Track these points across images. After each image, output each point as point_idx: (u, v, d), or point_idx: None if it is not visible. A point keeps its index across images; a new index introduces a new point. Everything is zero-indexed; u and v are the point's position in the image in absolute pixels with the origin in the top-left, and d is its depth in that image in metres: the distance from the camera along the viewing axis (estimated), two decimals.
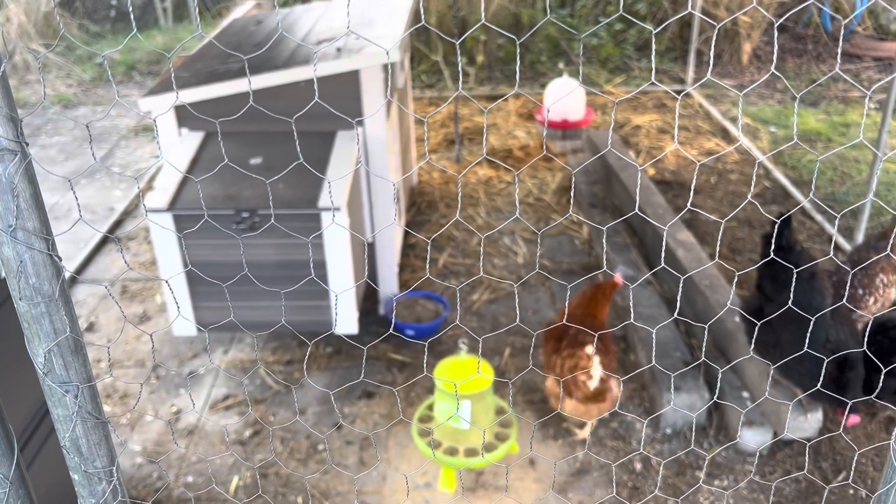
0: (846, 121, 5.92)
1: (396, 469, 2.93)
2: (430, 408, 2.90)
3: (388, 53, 2.58)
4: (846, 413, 2.80)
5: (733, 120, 6.01)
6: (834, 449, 2.97)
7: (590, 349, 2.85)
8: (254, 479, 2.92)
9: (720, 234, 4.29)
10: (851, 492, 2.80)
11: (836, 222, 4.32)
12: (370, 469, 2.94)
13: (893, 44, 7.38)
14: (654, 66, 6.79)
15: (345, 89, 3.35)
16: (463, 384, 2.66)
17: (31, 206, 1.01)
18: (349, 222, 3.08)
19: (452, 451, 2.73)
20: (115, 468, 0.97)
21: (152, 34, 8.85)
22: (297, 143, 3.36)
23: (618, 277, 3.17)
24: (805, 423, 2.89)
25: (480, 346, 3.48)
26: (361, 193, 3.54)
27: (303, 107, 3.33)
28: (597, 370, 2.83)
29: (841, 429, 2.96)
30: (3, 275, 1.01)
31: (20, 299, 1.02)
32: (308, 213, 3.01)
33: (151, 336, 2.57)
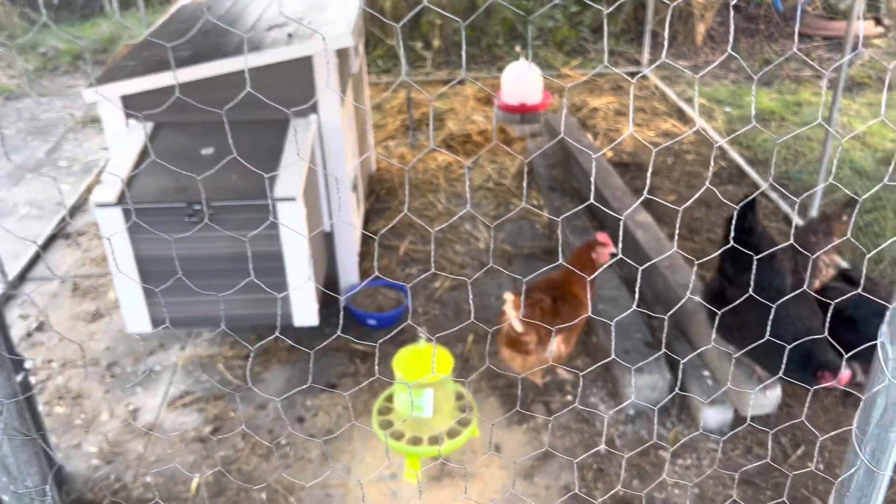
0: (798, 100, 6.00)
1: (361, 461, 2.90)
2: (389, 399, 2.87)
3: (340, 38, 2.52)
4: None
5: (689, 101, 6.06)
6: (792, 424, 3.01)
7: (508, 295, 2.90)
8: (215, 477, 2.86)
9: (679, 217, 4.31)
10: (809, 465, 2.85)
11: (796, 207, 4.38)
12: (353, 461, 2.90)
13: (842, 23, 7.50)
14: (606, 48, 6.81)
15: (297, 76, 3.27)
16: (422, 372, 2.64)
17: None
18: (305, 212, 3.02)
19: (416, 441, 2.71)
20: (48, 486, 0.92)
21: (98, 22, 8.59)
22: (250, 132, 3.28)
23: (601, 236, 3.12)
24: (765, 400, 2.93)
25: (438, 334, 3.46)
26: (318, 182, 3.47)
27: (252, 94, 3.25)
28: (510, 313, 2.88)
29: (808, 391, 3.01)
30: None
31: None
32: (263, 203, 2.94)
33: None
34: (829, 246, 3.16)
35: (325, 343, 3.45)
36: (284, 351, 3.48)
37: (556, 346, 3.04)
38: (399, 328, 3.56)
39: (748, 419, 2.98)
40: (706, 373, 3.11)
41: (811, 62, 2.82)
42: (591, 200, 4.13)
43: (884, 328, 0.83)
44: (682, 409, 3.10)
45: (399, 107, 6.07)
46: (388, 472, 2.87)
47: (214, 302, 3.15)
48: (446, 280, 3.97)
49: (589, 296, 3.08)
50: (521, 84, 5.46)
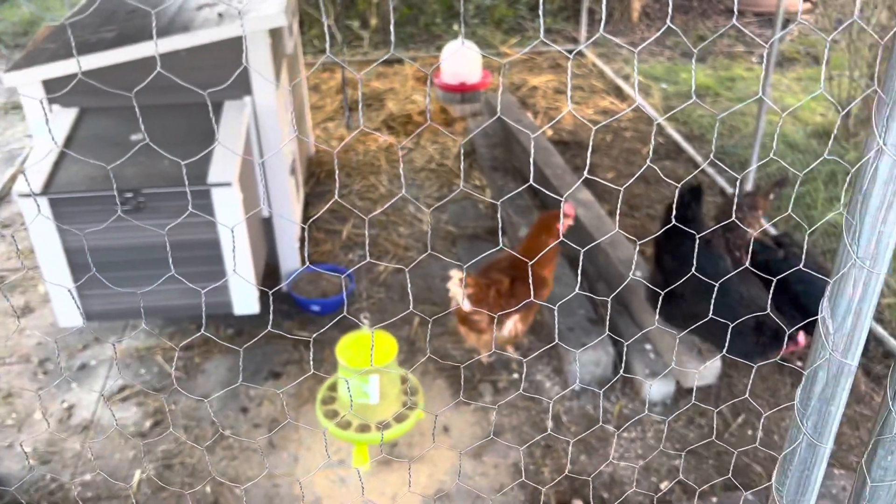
0: (732, 75, 6.12)
1: (309, 448, 2.86)
2: (333, 388, 2.82)
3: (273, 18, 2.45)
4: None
5: (626, 78, 6.11)
6: (732, 393, 3.09)
7: (454, 272, 2.94)
8: (158, 472, 2.79)
9: (620, 195, 4.36)
10: (750, 432, 2.93)
11: (737, 187, 4.47)
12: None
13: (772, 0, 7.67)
14: (543, 24, 6.81)
15: (229, 57, 3.17)
16: (367, 359, 2.61)
17: None
18: (242, 197, 2.94)
19: (364, 429, 2.68)
20: None
21: (17, 3, 8.20)
22: (182, 116, 3.17)
23: (568, 208, 3.09)
24: (706, 372, 2.99)
25: (384, 321, 3.43)
26: (254, 166, 3.39)
27: (185, 77, 3.14)
28: (456, 292, 2.93)
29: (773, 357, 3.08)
30: None
31: None
32: (197, 189, 2.85)
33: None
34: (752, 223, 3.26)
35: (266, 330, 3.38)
36: (227, 340, 3.40)
37: (513, 325, 3.05)
38: (342, 314, 3.51)
39: (689, 389, 3.04)
40: (648, 346, 3.15)
41: (752, 37, 2.85)
42: (531, 181, 4.14)
43: (824, 302, 0.83)
44: (626, 384, 3.15)
45: (337, 87, 5.97)
46: (337, 458, 2.84)
47: (150, 293, 3.05)
48: (391, 263, 3.93)
49: (550, 269, 3.09)
50: (460, 63, 5.43)
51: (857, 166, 0.73)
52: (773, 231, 3.90)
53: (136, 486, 2.73)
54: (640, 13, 7.53)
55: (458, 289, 2.92)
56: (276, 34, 3.46)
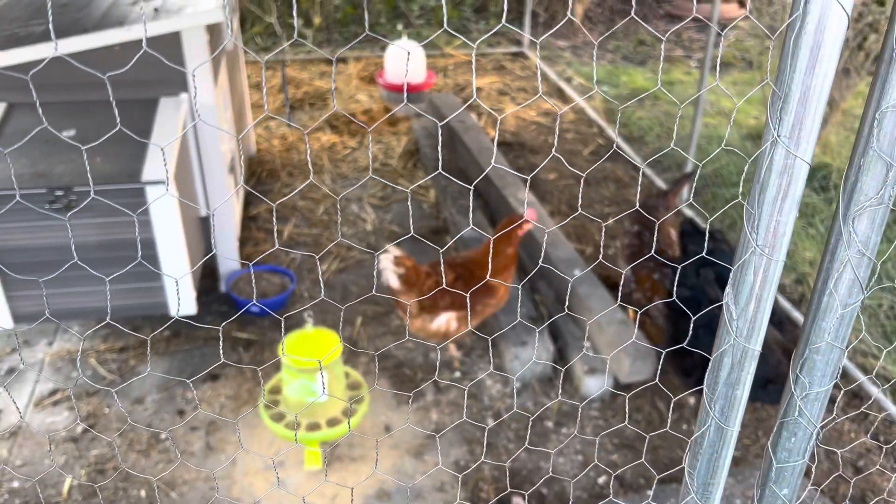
0: (671, 79, 6.26)
1: (247, 451, 2.82)
2: (275, 391, 2.79)
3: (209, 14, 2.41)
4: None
5: (569, 80, 6.20)
6: (668, 388, 3.15)
7: (391, 247, 2.99)
8: (90, 477, 2.71)
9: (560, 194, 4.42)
10: (685, 427, 3.00)
11: (693, 194, 4.56)
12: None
13: (707, 5, 7.87)
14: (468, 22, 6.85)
15: (165, 53, 3.11)
16: (311, 357, 2.59)
17: None
18: (178, 195, 2.89)
19: (314, 427, 2.66)
20: None
21: None
22: (115, 111, 3.09)
23: (530, 213, 3.12)
24: (642, 367, 3.05)
25: (337, 317, 3.40)
26: (192, 164, 3.33)
27: (119, 73, 3.07)
28: (387, 266, 2.97)
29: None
30: None
31: None
32: (131, 187, 2.79)
33: None
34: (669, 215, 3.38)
35: (204, 331, 3.33)
36: (162, 342, 3.33)
37: (447, 321, 3.06)
38: (285, 314, 3.48)
39: (626, 385, 3.10)
40: (587, 343, 3.20)
41: (727, 39, 2.92)
42: (472, 188, 4.16)
43: (728, 288, 0.86)
44: (565, 379, 3.19)
45: (279, 86, 5.91)
46: (277, 460, 2.81)
47: (82, 294, 2.97)
48: (333, 263, 3.90)
49: (505, 277, 3.10)
50: (404, 64, 5.43)
51: (752, 157, 0.76)
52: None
53: (66, 492, 2.66)
54: (583, 17, 7.65)
55: (389, 265, 2.96)
56: (213, 30, 3.41)
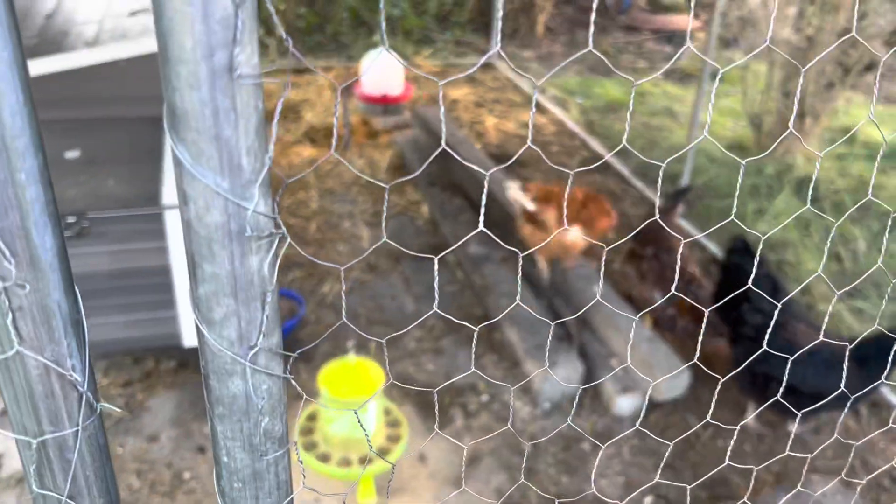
0: (641, 90, 6.34)
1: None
2: (311, 418, 2.66)
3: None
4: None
5: (542, 91, 6.21)
6: (700, 405, 3.16)
7: (511, 183, 3.46)
8: None
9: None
10: (720, 443, 3.00)
11: (668, 200, 4.59)
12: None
13: (665, 17, 8.04)
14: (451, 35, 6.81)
15: None
16: (354, 391, 2.47)
17: None
18: None
19: (346, 462, 2.53)
20: None
21: None
22: (123, 130, 2.90)
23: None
24: (675, 384, 3.04)
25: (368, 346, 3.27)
26: None
27: (123, 88, 2.89)
28: (518, 197, 3.36)
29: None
30: None
31: None
32: (148, 213, 2.61)
33: None
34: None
35: None
36: (170, 374, 3.13)
37: (578, 234, 3.33)
38: (295, 337, 3.33)
39: (658, 403, 3.08)
40: (614, 361, 3.18)
41: (701, 54, 2.92)
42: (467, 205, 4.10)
43: None
44: (595, 399, 3.15)
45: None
46: (312, 497, 2.67)
47: (91, 325, 2.77)
48: (335, 284, 3.77)
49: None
50: (382, 75, 5.32)
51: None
52: (706, 242, 4.05)
53: None
54: (545, 28, 7.69)
55: (519, 193, 3.32)
56: None
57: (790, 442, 2.94)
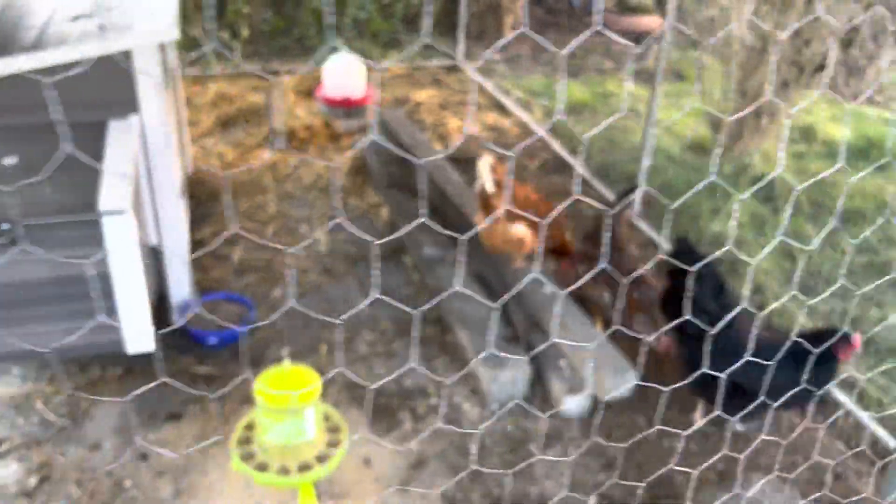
0: (606, 91, 6.37)
1: (220, 493, 2.66)
2: (249, 427, 2.63)
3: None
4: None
5: (506, 93, 6.21)
6: (648, 404, 3.16)
7: (486, 154, 3.40)
8: None
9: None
10: (666, 443, 3.01)
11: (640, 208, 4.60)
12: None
13: (632, 18, 8.08)
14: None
15: (114, 72, 2.91)
16: (293, 395, 2.45)
17: None
18: (136, 225, 2.70)
19: (284, 471, 2.51)
20: None
21: None
22: (62, 137, 2.86)
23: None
24: (621, 384, 3.05)
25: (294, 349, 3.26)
26: (142, 190, 3.13)
27: (61, 94, 2.85)
28: (484, 172, 3.33)
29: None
30: None
31: None
32: (86, 220, 2.59)
33: None
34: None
35: (161, 368, 3.12)
36: (115, 381, 3.11)
37: (526, 230, 3.33)
38: (245, 342, 3.31)
39: (606, 403, 3.09)
40: (562, 362, 3.18)
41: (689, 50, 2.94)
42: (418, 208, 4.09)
43: None
44: (544, 401, 3.16)
45: (213, 101, 5.68)
46: (252, 501, 2.65)
47: (29, 334, 2.73)
48: (288, 287, 3.75)
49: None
50: (343, 77, 5.31)
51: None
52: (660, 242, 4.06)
53: None
54: (511, 29, 7.70)
55: (486, 169, 3.31)
56: (163, 47, 3.22)
57: (730, 440, 2.96)
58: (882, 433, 3.05)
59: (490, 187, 3.34)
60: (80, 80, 2.86)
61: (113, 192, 2.63)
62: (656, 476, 2.82)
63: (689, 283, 2.75)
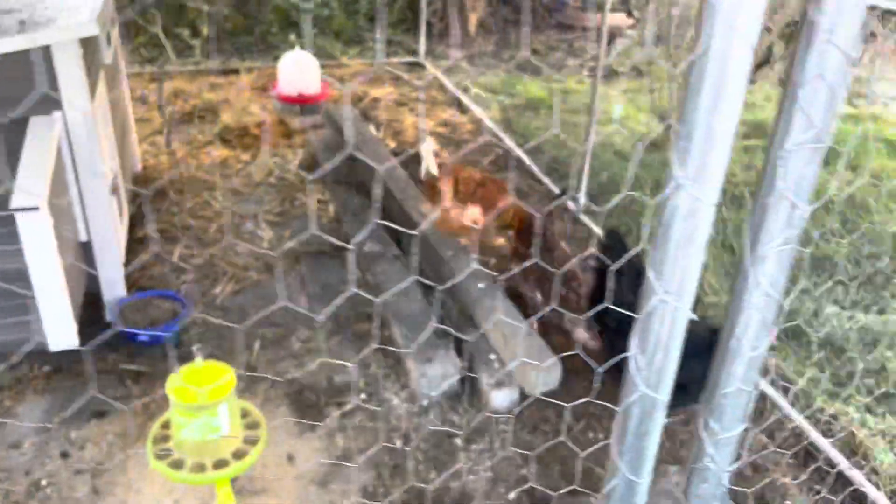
0: (565, 88, 6.38)
1: (139, 492, 2.64)
2: (166, 425, 2.61)
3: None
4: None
5: (465, 90, 6.21)
6: (574, 397, 3.16)
7: (430, 138, 3.53)
8: None
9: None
10: (591, 435, 3.02)
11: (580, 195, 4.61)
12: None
13: (598, 15, 8.09)
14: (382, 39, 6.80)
15: (34, 69, 2.88)
16: (206, 392, 2.43)
17: None
18: (52, 222, 2.68)
19: (200, 468, 2.50)
20: None
21: None
22: None
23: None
24: (548, 378, 3.05)
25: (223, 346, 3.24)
26: (68, 187, 3.11)
27: None
28: (427, 156, 3.43)
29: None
30: None
31: None
32: (1, 216, 2.57)
33: None
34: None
35: (89, 365, 3.11)
36: (41, 379, 3.08)
37: (477, 213, 3.39)
38: (176, 343, 3.29)
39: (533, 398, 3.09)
40: (492, 356, 3.18)
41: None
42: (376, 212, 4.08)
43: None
44: (473, 395, 3.15)
45: (168, 98, 5.65)
46: (171, 498, 2.64)
47: None
48: (228, 284, 3.74)
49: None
50: (298, 74, 5.30)
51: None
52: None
53: None
54: (477, 26, 7.70)
55: (430, 152, 3.37)
56: (89, 43, 3.19)
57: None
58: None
59: (434, 170, 3.40)
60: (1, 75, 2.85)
61: (27, 189, 2.61)
62: (579, 468, 2.82)
63: (612, 276, 2.75)
